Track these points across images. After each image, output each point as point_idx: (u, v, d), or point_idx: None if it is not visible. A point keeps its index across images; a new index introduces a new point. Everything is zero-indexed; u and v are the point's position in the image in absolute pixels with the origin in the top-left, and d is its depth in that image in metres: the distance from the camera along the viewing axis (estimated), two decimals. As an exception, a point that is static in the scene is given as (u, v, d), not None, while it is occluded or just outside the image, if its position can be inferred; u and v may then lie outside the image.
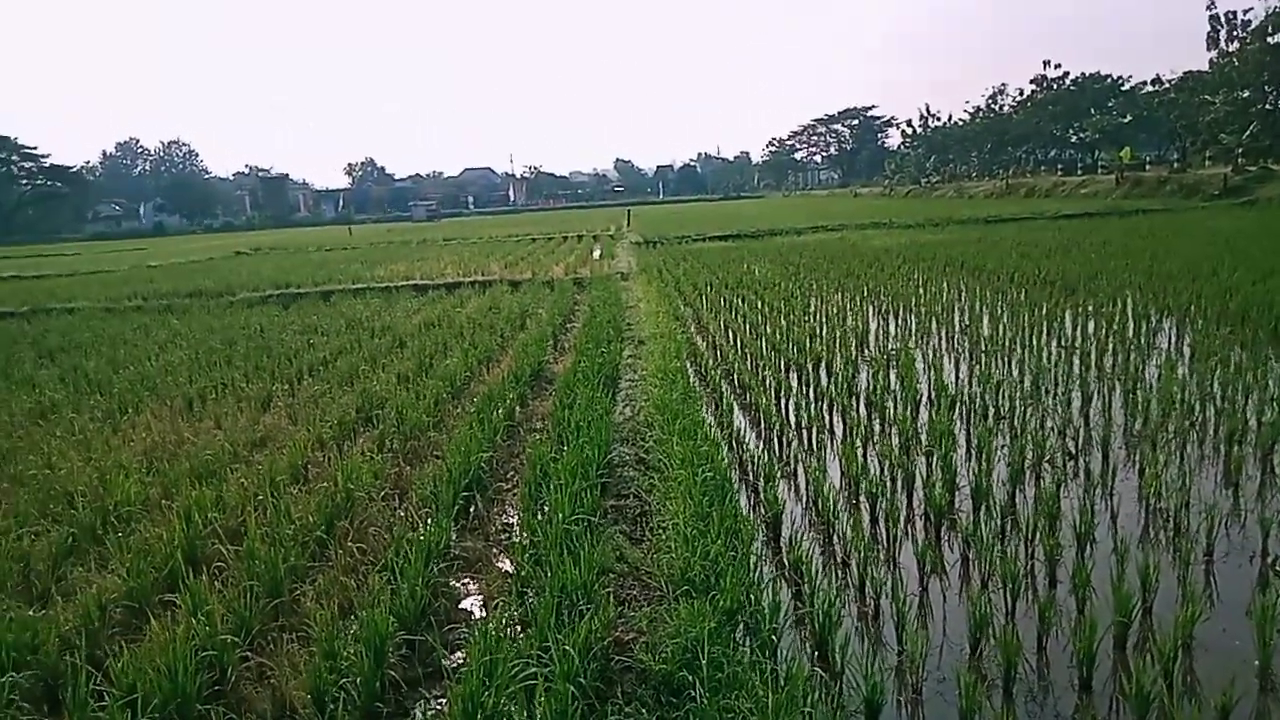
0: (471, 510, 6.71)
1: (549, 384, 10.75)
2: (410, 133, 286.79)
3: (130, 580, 5.32)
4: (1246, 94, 48.68)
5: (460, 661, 4.63)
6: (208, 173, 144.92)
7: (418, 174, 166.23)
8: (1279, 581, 5.22)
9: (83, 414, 9.87)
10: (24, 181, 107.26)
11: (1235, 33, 49.75)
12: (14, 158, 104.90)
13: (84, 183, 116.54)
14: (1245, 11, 49.37)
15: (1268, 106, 47.31)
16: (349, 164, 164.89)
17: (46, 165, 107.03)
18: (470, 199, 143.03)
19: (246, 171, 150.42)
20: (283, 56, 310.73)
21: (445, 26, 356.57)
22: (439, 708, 4.32)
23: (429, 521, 6.14)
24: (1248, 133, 46.09)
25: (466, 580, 5.73)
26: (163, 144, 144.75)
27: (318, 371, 11.76)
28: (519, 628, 4.79)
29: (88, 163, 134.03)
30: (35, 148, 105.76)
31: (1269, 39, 46.74)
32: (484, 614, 5.18)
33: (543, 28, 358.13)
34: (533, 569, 5.32)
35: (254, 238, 71.56)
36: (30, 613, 5.01)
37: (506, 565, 5.85)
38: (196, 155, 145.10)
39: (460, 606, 5.42)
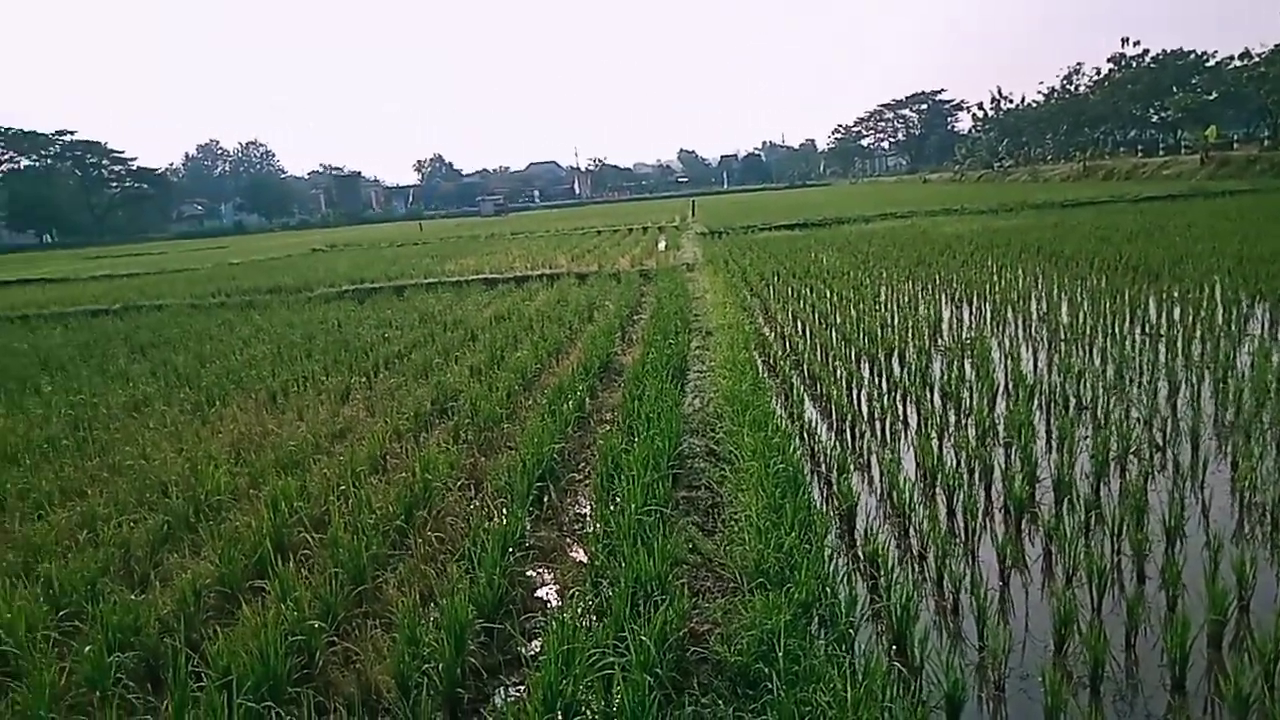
0: (545, 500, 6.80)
1: (618, 375, 10.81)
2: (477, 128, 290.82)
3: (222, 566, 5.55)
4: (1346, 65, 46.08)
5: (538, 650, 4.71)
6: (284, 172, 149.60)
7: (484, 169, 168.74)
8: (1387, 580, 4.96)
9: (173, 406, 10.30)
10: (113, 184, 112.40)
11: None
12: (104, 162, 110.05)
13: (168, 184, 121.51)
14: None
15: (1370, 78, 44.71)
16: (418, 160, 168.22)
17: (134, 168, 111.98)
18: (536, 193, 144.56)
19: (321, 170, 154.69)
20: (356, 56, 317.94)
21: (510, 22, 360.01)
22: (518, 695, 4.41)
23: (504, 511, 6.26)
24: (1347, 106, 43.66)
25: (542, 570, 5.82)
26: (241, 145, 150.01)
27: (393, 364, 12.05)
28: (595, 617, 4.85)
29: (171, 164, 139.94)
30: (123, 151, 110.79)
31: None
32: (560, 603, 5.25)
33: (606, 19, 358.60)
34: (606, 559, 5.37)
35: (329, 234, 73.61)
36: (132, 596, 5.26)
37: (580, 555, 5.92)
38: (273, 155, 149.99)
39: (536, 595, 5.50)
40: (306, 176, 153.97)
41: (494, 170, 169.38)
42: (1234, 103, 65.36)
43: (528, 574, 5.71)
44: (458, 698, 4.31)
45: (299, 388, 10.92)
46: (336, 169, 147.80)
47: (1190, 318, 11.46)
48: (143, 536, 6.26)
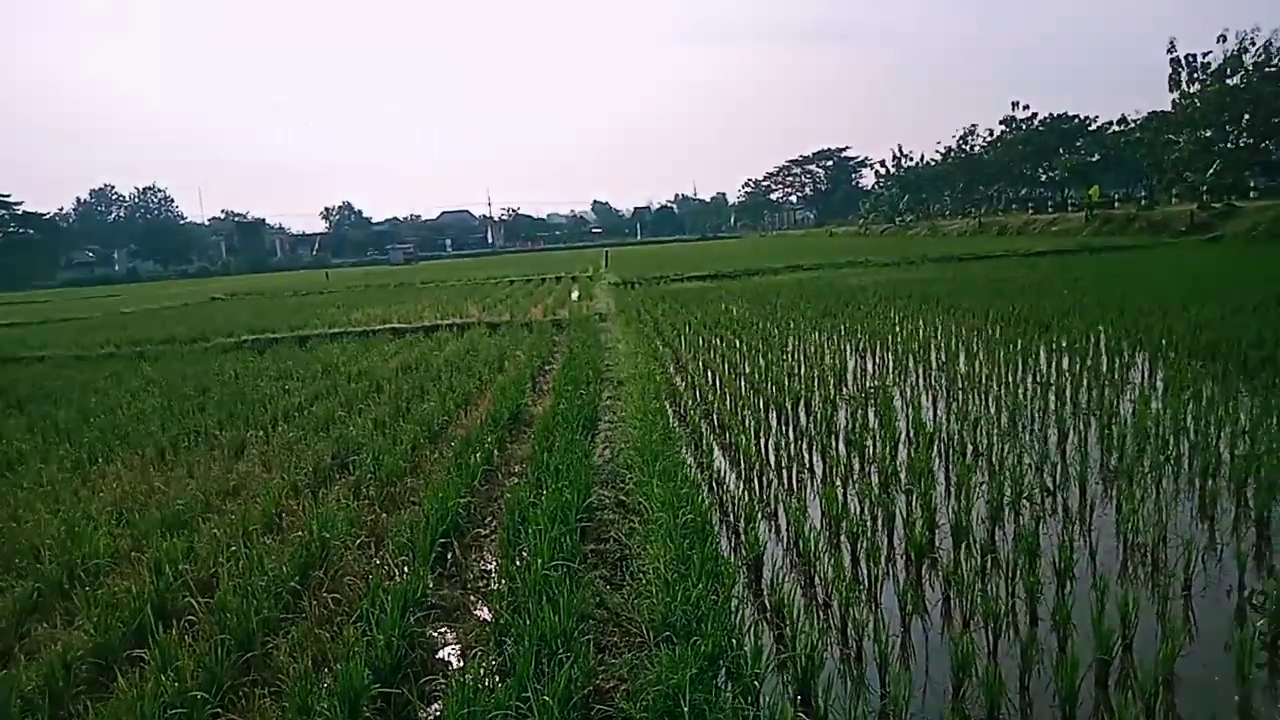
0: (449, 557, 6.62)
1: (528, 427, 10.69)
2: (388, 176, 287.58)
3: (97, 636, 5.19)
4: (1208, 133, 49.94)
5: (438, 714, 4.53)
6: (183, 218, 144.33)
7: (395, 217, 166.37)
8: (1256, 615, 5.23)
9: (51, 464, 9.70)
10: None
11: (1195, 75, 51.14)
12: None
13: (57, 230, 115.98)
14: (1204, 54, 50.83)
15: (1229, 145, 48.49)
16: (326, 208, 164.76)
17: (19, 213, 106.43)
18: (448, 241, 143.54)
19: (223, 216, 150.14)
20: (264, 100, 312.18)
21: (419, 68, 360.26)
22: (415, 763, 4.21)
23: (405, 570, 6.05)
24: (1211, 171, 47.20)
25: (444, 629, 5.63)
26: (138, 190, 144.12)
27: (293, 417, 11.64)
28: (497, 677, 4.70)
29: (61, 209, 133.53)
30: (9, 195, 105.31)
31: (1227, 80, 48.12)
32: (462, 664, 5.08)
33: (517, 71, 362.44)
34: (511, 617, 5.24)
35: (230, 283, 71.33)
36: (-8, 672, 4.86)
37: (485, 613, 5.75)
38: (172, 201, 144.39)
39: (438, 656, 5.31)
40: (207, 223, 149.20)
41: (405, 219, 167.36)
42: (1114, 164, 69.84)
43: (429, 634, 5.50)
44: (350, 770, 4.09)
45: (190, 443, 10.44)
46: (239, 215, 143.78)
47: (1077, 366, 12.05)
48: (8, 605, 5.82)
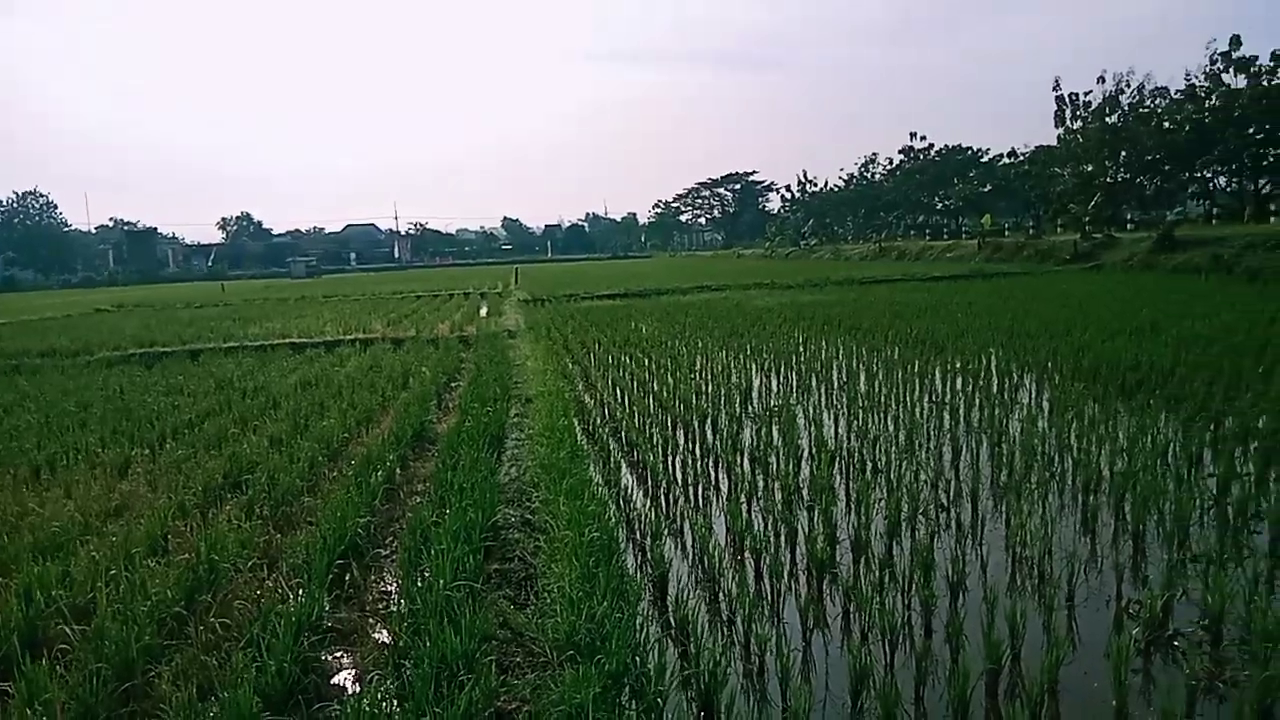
0: (347, 579, 6.40)
1: (432, 444, 10.48)
2: (289, 187, 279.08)
3: (-45, 671, 4.81)
4: (1090, 168, 53.06)
5: (330, 742, 4.36)
6: (67, 225, 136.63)
7: (297, 229, 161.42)
8: (1132, 623, 5.51)
9: (-91, 485, 8.99)
10: None
11: (1079, 112, 54.36)
12: None
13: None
14: (1086, 93, 54.07)
15: (1108, 179, 51.63)
16: (223, 218, 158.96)
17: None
18: (353, 255, 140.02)
19: (111, 224, 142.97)
20: (156, 104, 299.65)
21: (327, 77, 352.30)
22: (306, 794, 4.04)
23: (300, 592, 5.82)
24: (1092, 203, 50.14)
25: (340, 654, 5.43)
26: (16, 194, 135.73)
27: (182, 435, 11.11)
28: (395, 702, 4.56)
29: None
30: None
31: (1107, 119, 51.28)
32: (358, 689, 4.91)
33: (426, 84, 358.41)
34: (411, 639, 5.10)
35: (117, 294, 67.73)
36: None
37: (384, 636, 5.58)
38: (55, 207, 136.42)
39: (333, 682, 5.12)
40: (94, 231, 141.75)
41: (307, 231, 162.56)
42: (1005, 194, 73.45)
43: (324, 659, 5.30)
44: (235, 803, 3.90)
45: (69, 461, 9.84)
46: (129, 224, 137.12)
47: (970, 387, 12.56)
48: None
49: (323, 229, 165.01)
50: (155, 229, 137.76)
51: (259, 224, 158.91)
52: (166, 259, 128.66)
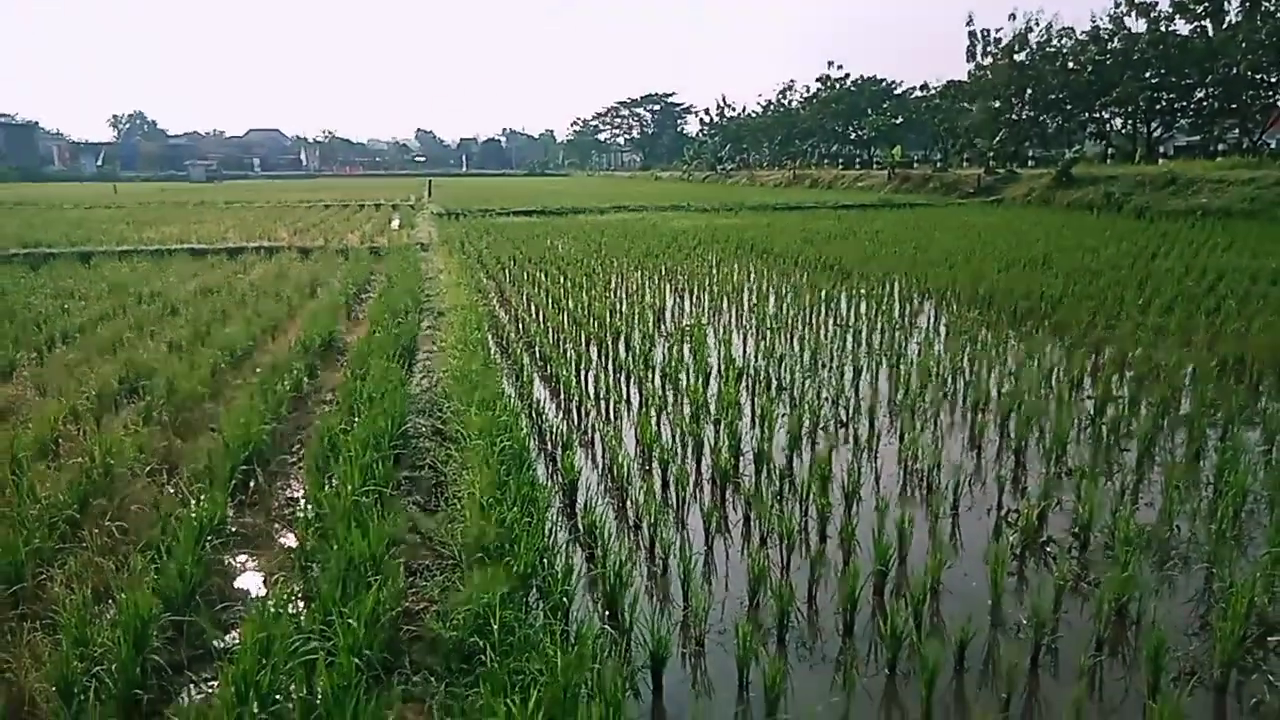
0: (251, 485, 6.32)
1: (341, 355, 10.28)
2: (187, 85, 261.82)
3: None
4: (997, 104, 54.16)
5: (235, 641, 4.37)
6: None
7: (196, 131, 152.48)
8: (1010, 531, 5.92)
9: None
10: None
11: (989, 49, 55.13)
12: None
13: None
14: (998, 30, 54.77)
15: (1013, 116, 52.86)
16: (114, 115, 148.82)
17: None
18: (257, 161, 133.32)
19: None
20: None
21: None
22: (210, 690, 4.06)
23: (203, 498, 5.72)
24: (997, 139, 51.37)
25: (244, 558, 5.40)
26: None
27: (73, 339, 10.58)
28: (301, 603, 4.59)
29: None
30: None
31: (1015, 56, 52.20)
32: (264, 591, 4.91)
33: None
34: (318, 543, 5.10)
35: (-7, 191, 63.01)
36: None
37: (290, 540, 5.56)
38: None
39: (237, 585, 5.10)
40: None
41: (207, 134, 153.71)
42: (915, 128, 74.54)
43: (227, 563, 5.27)
44: (135, 699, 3.88)
45: (-55, 364, 9.29)
46: (7, 116, 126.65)
47: (874, 311, 12.97)
48: None
49: (224, 132, 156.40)
50: (37, 123, 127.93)
51: (154, 124, 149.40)
52: (51, 156, 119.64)
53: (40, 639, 4.25)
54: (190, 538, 4.92)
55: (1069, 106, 51.01)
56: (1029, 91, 52.01)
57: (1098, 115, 51.63)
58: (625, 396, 9.05)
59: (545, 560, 4.99)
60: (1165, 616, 4.76)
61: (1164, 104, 47.82)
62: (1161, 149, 49.75)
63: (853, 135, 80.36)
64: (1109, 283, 14.25)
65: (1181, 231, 22.61)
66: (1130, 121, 51.49)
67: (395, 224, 30.89)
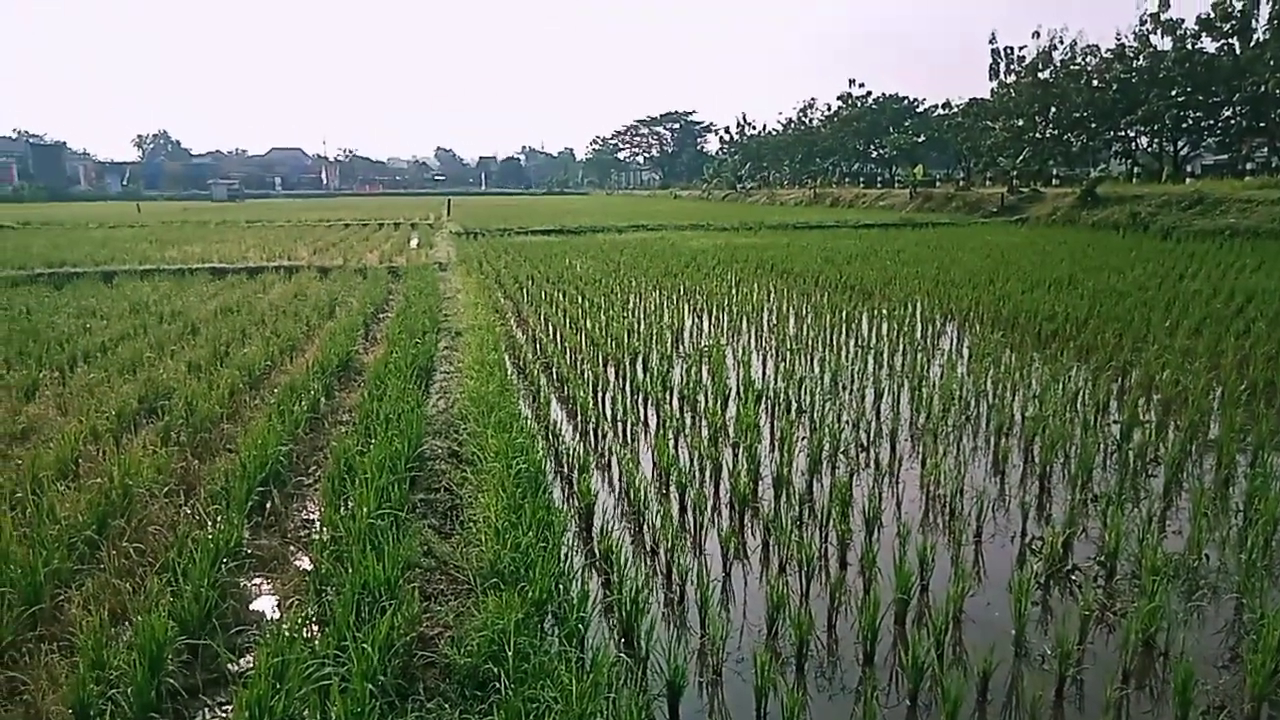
0: (268, 507, 6.31)
1: (358, 375, 10.31)
2: (211, 105, 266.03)
3: None
4: (1020, 122, 53.90)
5: (249, 665, 4.34)
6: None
7: (218, 150, 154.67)
8: (1034, 559, 5.81)
9: None
10: None
11: (1013, 66, 54.98)
12: None
13: None
14: (1021, 48, 54.63)
15: (1037, 134, 52.60)
16: (139, 135, 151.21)
17: None
18: (278, 180, 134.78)
19: (15, 136, 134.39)
20: (65, 6, 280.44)
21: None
22: (225, 715, 4.03)
23: (219, 519, 5.72)
24: (1021, 157, 51.08)
25: (259, 580, 5.39)
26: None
27: (94, 358, 10.69)
28: (315, 627, 4.56)
29: None
30: None
31: (1039, 74, 52.02)
32: (278, 615, 4.89)
33: (360, 3, 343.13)
34: (333, 566, 5.07)
35: (21, 210, 64.02)
36: None
37: (305, 563, 5.55)
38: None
39: (251, 608, 5.08)
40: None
41: (230, 153, 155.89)
42: (937, 146, 74.30)
43: (243, 586, 5.26)
44: (150, 724, 3.86)
45: (-30, 382, 9.39)
46: (36, 136, 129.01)
47: (895, 333, 12.86)
48: None
49: (245, 151, 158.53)
50: (64, 143, 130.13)
51: (177, 143, 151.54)
52: (77, 176, 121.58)
53: (57, 660, 4.25)
54: (206, 560, 4.91)
55: (1094, 125, 50.65)
56: (1053, 109, 51.73)
57: (1123, 134, 51.25)
58: (643, 418, 9.01)
59: (561, 586, 4.94)
60: (1194, 648, 4.65)
61: (1191, 122, 47.38)
62: (1188, 168, 49.23)
63: (874, 154, 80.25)
64: (1135, 304, 14.07)
65: (1209, 252, 22.31)
66: (1156, 140, 51.03)
67: (414, 243, 31.11)
